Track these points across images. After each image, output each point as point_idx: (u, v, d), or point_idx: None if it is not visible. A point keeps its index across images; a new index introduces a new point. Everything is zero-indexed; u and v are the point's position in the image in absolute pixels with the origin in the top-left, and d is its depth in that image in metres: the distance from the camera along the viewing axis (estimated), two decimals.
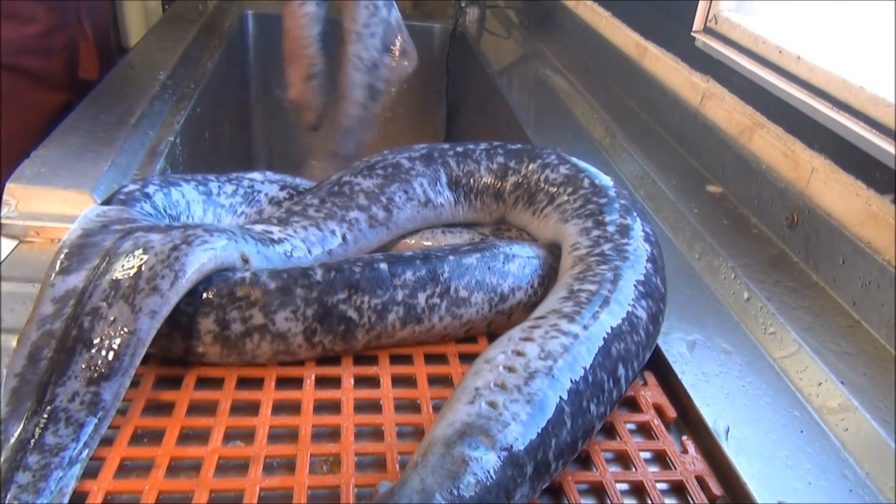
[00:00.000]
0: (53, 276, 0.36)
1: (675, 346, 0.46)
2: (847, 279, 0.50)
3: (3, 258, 0.48)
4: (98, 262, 0.37)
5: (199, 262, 0.38)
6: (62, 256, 0.37)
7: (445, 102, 1.23)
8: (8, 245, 0.50)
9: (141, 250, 0.37)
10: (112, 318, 0.35)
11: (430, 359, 0.44)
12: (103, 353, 0.34)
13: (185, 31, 0.91)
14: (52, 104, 0.81)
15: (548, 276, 0.47)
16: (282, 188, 0.55)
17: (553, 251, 0.49)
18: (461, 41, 1.17)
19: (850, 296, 0.49)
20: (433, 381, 0.42)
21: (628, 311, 0.40)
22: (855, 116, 0.49)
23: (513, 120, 0.84)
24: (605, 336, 0.38)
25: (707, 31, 0.68)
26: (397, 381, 0.42)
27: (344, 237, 0.49)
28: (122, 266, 0.36)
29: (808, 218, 0.54)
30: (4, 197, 0.51)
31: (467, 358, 0.44)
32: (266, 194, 0.54)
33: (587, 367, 0.36)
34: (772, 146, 0.60)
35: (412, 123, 1.27)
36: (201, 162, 0.78)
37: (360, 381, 0.41)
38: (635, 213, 0.49)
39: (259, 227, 0.47)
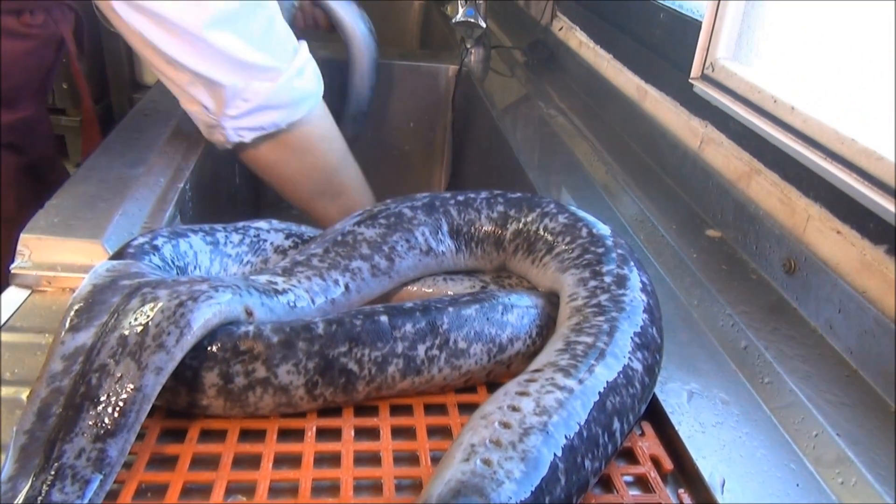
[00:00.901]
0: (63, 333, 0.37)
1: (673, 396, 0.46)
2: (844, 328, 0.50)
3: (16, 308, 0.50)
4: (107, 319, 0.38)
5: (204, 318, 0.39)
6: (72, 313, 0.38)
7: (451, 140, 1.25)
8: (21, 295, 0.51)
9: (148, 307, 0.38)
10: (119, 375, 0.36)
11: (430, 409, 0.45)
12: (109, 409, 0.35)
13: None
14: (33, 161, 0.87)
15: (546, 326, 0.48)
16: (287, 236, 0.56)
17: (551, 300, 0.50)
18: (466, 80, 1.19)
19: (848, 345, 0.50)
20: (432, 431, 0.43)
21: (624, 364, 0.41)
22: (847, 168, 0.50)
23: (515, 162, 0.85)
24: (601, 390, 0.39)
25: (704, 77, 0.69)
26: (397, 432, 0.43)
27: (347, 287, 0.51)
28: (130, 323, 0.38)
29: (806, 265, 0.55)
30: (19, 248, 0.53)
31: (466, 408, 0.45)
32: (272, 243, 0.55)
33: (582, 423, 0.37)
34: (769, 192, 0.61)
35: (419, 160, 1.29)
36: (210, 205, 0.80)
37: (361, 433, 0.42)
38: (632, 263, 0.49)
39: (264, 278, 0.48)
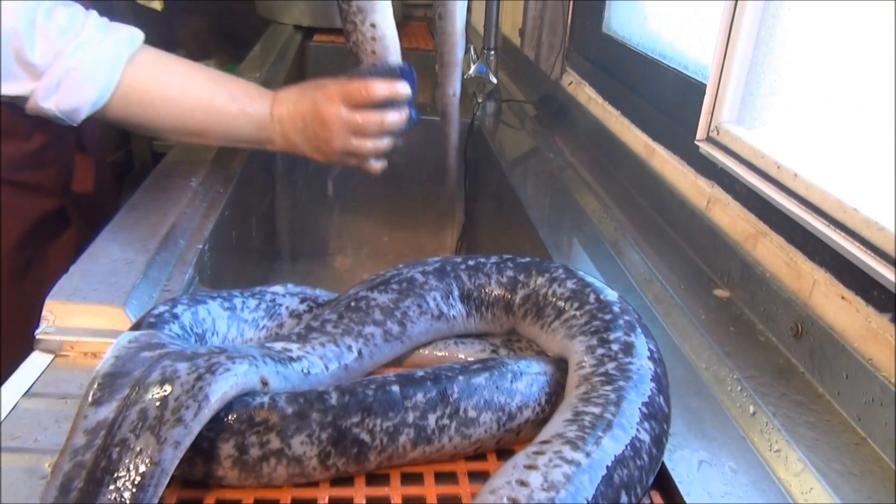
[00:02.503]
0: (86, 406, 0.39)
1: (682, 465, 0.46)
2: (851, 394, 0.50)
3: (39, 374, 0.51)
4: (128, 393, 0.39)
5: (221, 391, 0.40)
6: (95, 387, 0.40)
7: (464, 192, 1.27)
8: (44, 360, 0.53)
9: (168, 380, 0.40)
10: (138, 450, 0.37)
11: (441, 477, 0.45)
12: (129, 484, 0.36)
13: None
14: (46, 210, 0.86)
15: (555, 393, 0.49)
16: (302, 300, 0.57)
17: (560, 366, 0.51)
18: (478, 134, 1.22)
19: (855, 411, 0.50)
20: (443, 501, 0.44)
21: (632, 436, 0.42)
22: (850, 236, 0.51)
23: (525, 217, 0.87)
24: (609, 464, 0.39)
25: (710, 140, 0.71)
26: (408, 501, 0.43)
27: (360, 352, 0.52)
28: (150, 397, 0.39)
29: (812, 329, 0.55)
30: (44, 313, 0.55)
31: (477, 476, 0.45)
32: (287, 307, 0.57)
33: (590, 499, 0.37)
34: (775, 255, 0.61)
35: (433, 212, 1.31)
36: (227, 264, 0.82)
37: (372, 502, 0.43)
38: (640, 330, 0.50)
39: (279, 345, 0.49)
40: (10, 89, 0.66)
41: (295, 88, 0.79)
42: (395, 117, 0.79)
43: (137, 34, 0.71)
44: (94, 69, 0.67)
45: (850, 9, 0.57)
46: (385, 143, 0.80)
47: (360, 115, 0.76)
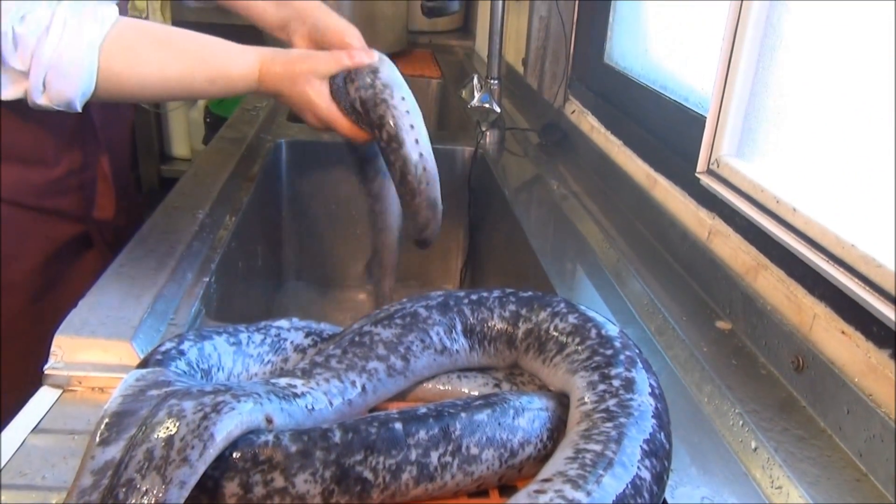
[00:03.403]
0: (94, 447, 0.39)
1: (684, 502, 0.47)
2: (853, 430, 0.51)
3: (47, 409, 0.52)
4: (135, 433, 0.40)
5: (226, 429, 0.41)
6: (103, 426, 0.40)
7: (468, 219, 1.28)
8: (52, 395, 0.54)
9: (174, 420, 0.40)
10: (144, 489, 0.38)
11: None
12: None
13: (223, 167, 0.98)
14: (68, 235, 0.88)
15: (557, 429, 0.49)
16: (306, 335, 0.58)
17: (562, 401, 0.51)
18: (482, 162, 1.23)
19: (857, 447, 0.50)
20: None
21: (633, 474, 0.42)
22: (849, 272, 0.51)
23: (528, 247, 0.87)
24: None
25: (710, 172, 0.72)
26: None
27: (364, 388, 0.52)
28: (156, 437, 0.39)
29: (813, 364, 0.56)
30: (53, 348, 0.56)
31: None
32: (292, 342, 0.57)
33: None
34: (775, 288, 0.62)
35: (438, 239, 1.32)
36: (233, 294, 0.83)
37: None
38: (640, 366, 0.51)
39: (283, 381, 0.50)
40: (8, 94, 0.68)
41: (281, 59, 0.77)
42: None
43: (109, 14, 0.70)
44: (71, 63, 0.68)
45: (847, 45, 0.58)
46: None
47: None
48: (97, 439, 0.40)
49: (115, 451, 0.39)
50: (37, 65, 0.67)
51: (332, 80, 0.76)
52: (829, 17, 0.60)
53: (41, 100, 0.68)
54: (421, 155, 0.74)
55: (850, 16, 0.57)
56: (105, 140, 0.91)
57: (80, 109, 0.71)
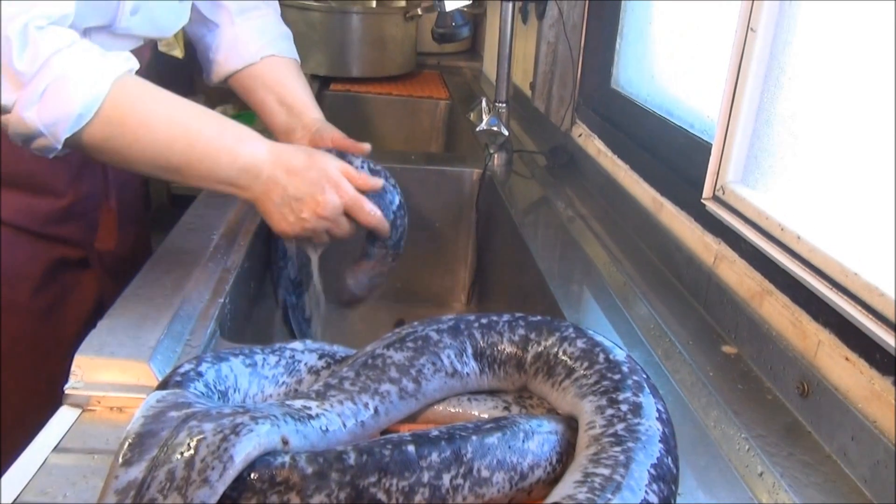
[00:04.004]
0: (117, 467, 0.41)
1: None
2: (857, 456, 0.51)
3: (67, 429, 0.53)
4: (157, 453, 0.41)
5: (245, 451, 0.42)
6: (125, 447, 0.42)
7: (475, 240, 1.29)
8: (72, 415, 0.55)
9: (194, 442, 0.42)
10: None
11: None
12: None
13: None
14: (69, 259, 0.90)
15: (566, 452, 0.50)
16: (320, 357, 0.59)
17: (571, 424, 0.52)
18: (490, 184, 1.24)
19: (862, 473, 0.51)
20: None
21: (641, 498, 0.43)
22: (852, 300, 0.52)
23: (536, 269, 0.88)
24: None
25: (716, 199, 0.73)
26: None
27: (376, 409, 0.54)
28: (177, 458, 0.41)
29: (818, 389, 0.56)
30: (73, 368, 0.57)
31: None
32: (306, 364, 0.59)
33: None
34: (780, 314, 0.63)
35: (445, 260, 1.33)
36: (246, 314, 0.84)
37: None
38: (648, 390, 0.52)
39: (299, 403, 0.51)
40: None
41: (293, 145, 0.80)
42: (374, 210, 0.80)
43: (132, 62, 0.68)
44: (81, 81, 0.63)
45: (849, 75, 0.59)
46: (346, 230, 0.79)
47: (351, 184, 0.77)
48: (120, 460, 0.41)
49: (137, 472, 0.40)
50: (45, 72, 0.62)
51: None
52: (831, 48, 0.61)
53: (29, 112, 0.62)
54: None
55: (852, 46, 0.59)
56: (114, 175, 0.93)
57: (61, 140, 0.64)
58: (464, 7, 1.25)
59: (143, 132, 0.67)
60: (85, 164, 0.88)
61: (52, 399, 0.57)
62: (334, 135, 0.91)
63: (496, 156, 1.28)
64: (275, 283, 0.97)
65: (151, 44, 0.65)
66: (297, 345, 0.60)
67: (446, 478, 0.46)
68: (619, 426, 0.48)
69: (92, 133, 0.65)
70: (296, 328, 0.98)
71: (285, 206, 0.74)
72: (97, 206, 0.92)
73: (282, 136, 0.96)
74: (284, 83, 0.97)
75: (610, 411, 0.50)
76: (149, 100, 0.69)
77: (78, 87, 0.63)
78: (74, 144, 0.65)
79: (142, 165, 0.69)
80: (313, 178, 0.74)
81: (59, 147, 0.64)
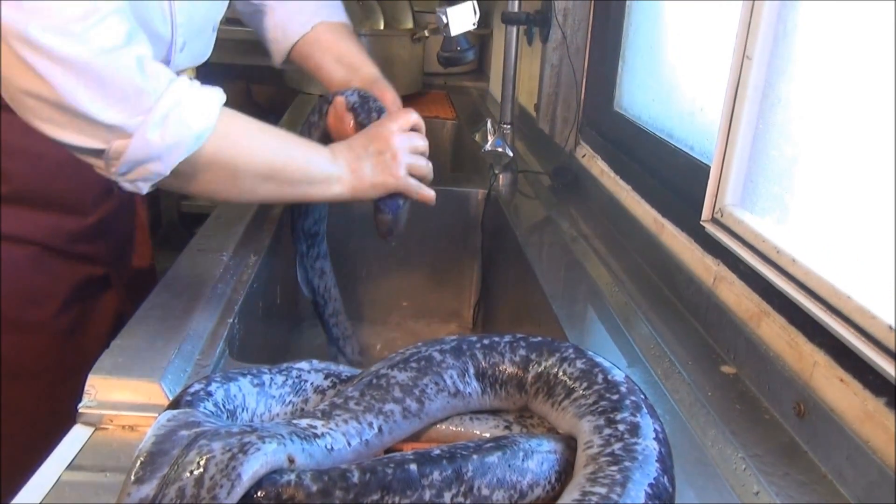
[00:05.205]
0: (129, 485, 0.42)
1: None
2: (853, 476, 0.52)
3: (80, 447, 0.55)
4: (168, 472, 0.43)
5: (252, 469, 0.44)
6: (137, 465, 0.43)
7: (481, 259, 1.31)
8: (85, 433, 0.57)
9: (204, 460, 0.43)
10: None
11: None
12: None
13: (247, 208, 1.02)
14: (91, 278, 0.92)
15: (564, 471, 0.51)
16: (326, 377, 0.61)
17: (570, 443, 0.54)
18: (495, 204, 1.26)
19: (857, 493, 0.52)
20: None
21: None
22: (845, 322, 0.54)
23: (539, 289, 0.90)
24: None
25: (714, 221, 0.74)
26: None
27: (380, 429, 0.55)
28: (187, 476, 0.42)
29: (814, 410, 0.57)
30: (87, 387, 0.59)
31: None
32: (312, 383, 0.60)
33: None
34: (777, 335, 0.64)
35: (450, 278, 1.35)
36: (254, 333, 0.86)
37: None
38: (645, 411, 0.53)
39: (305, 422, 0.53)
40: (119, 118, 0.64)
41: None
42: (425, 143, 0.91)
43: (221, 92, 0.75)
44: (196, 106, 0.69)
45: (844, 103, 0.61)
46: (430, 167, 0.91)
47: (411, 133, 0.88)
48: (132, 477, 0.43)
49: (148, 490, 0.42)
50: (166, 96, 0.66)
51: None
52: (826, 75, 0.63)
53: (153, 134, 0.65)
54: None
55: (847, 73, 0.60)
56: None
57: (174, 163, 0.68)
58: (470, 30, 1.28)
59: (246, 146, 0.75)
60: (112, 182, 0.91)
61: (73, 417, 0.58)
62: (386, 93, 0.96)
63: (501, 176, 1.29)
64: (293, 235, 1.01)
65: None
66: (303, 365, 0.61)
67: (447, 496, 0.48)
68: (617, 446, 0.50)
69: (202, 156, 0.70)
70: (301, 276, 1.03)
71: (379, 167, 0.85)
72: (121, 225, 0.95)
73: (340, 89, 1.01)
74: (339, 43, 1.03)
75: (608, 431, 0.51)
76: (244, 120, 0.76)
77: (194, 112, 0.68)
78: (181, 170, 0.70)
79: (247, 176, 0.76)
80: (380, 149, 0.85)
81: (166, 173, 0.69)
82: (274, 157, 0.77)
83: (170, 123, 0.66)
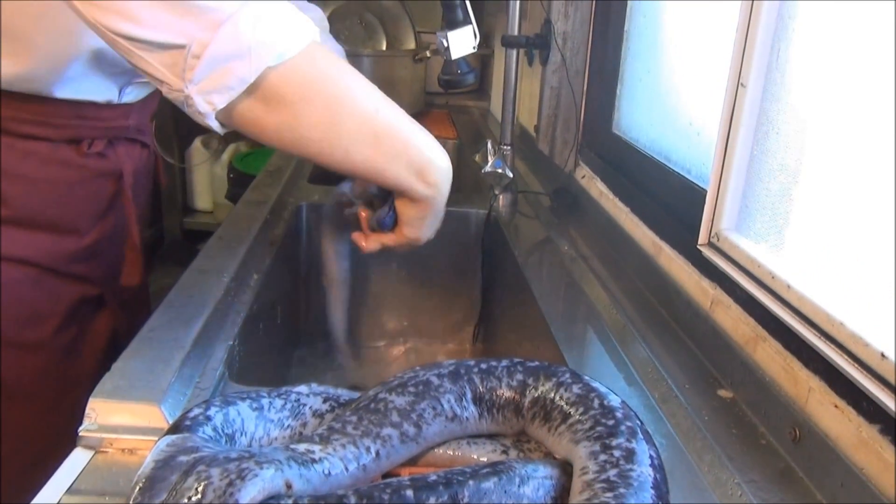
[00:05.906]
0: None
1: None
2: (848, 502, 0.53)
3: (80, 470, 0.55)
4: (166, 497, 0.43)
5: (249, 495, 0.44)
6: (136, 491, 0.44)
7: (481, 280, 1.32)
8: (85, 456, 0.57)
9: (202, 486, 0.44)
10: None
11: None
12: None
13: (248, 230, 1.03)
14: (86, 297, 0.93)
15: (560, 497, 0.52)
16: (324, 400, 0.61)
17: (566, 469, 0.54)
18: (495, 225, 1.27)
19: None
20: None
21: None
22: (839, 348, 0.54)
23: (538, 311, 0.90)
24: None
25: (711, 245, 0.75)
26: None
27: (377, 453, 0.55)
28: (185, 502, 0.43)
29: (809, 436, 0.58)
30: (87, 410, 0.59)
31: None
32: (310, 407, 0.61)
33: None
34: (773, 360, 0.64)
35: (451, 298, 1.35)
36: (254, 355, 0.86)
37: None
38: (641, 436, 0.53)
39: (303, 447, 0.53)
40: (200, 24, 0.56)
41: None
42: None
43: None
44: (300, 17, 0.62)
45: (839, 130, 0.61)
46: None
47: None
48: (131, 503, 0.43)
49: None
50: (245, 9, 0.58)
51: None
52: (820, 104, 0.64)
53: (245, 24, 0.57)
54: None
55: (841, 102, 0.61)
56: (133, 211, 0.97)
57: (260, 68, 0.59)
58: (470, 53, 1.29)
59: (355, 80, 0.66)
60: (110, 202, 0.92)
61: (70, 437, 0.59)
62: None
63: (501, 197, 1.30)
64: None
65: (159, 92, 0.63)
66: (302, 388, 0.62)
67: None
68: (612, 472, 0.50)
69: (300, 69, 0.61)
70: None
71: (437, 219, 0.81)
72: (115, 246, 0.96)
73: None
74: None
75: (603, 457, 0.51)
76: (345, 66, 0.67)
77: (294, 20, 0.61)
78: (271, 91, 0.61)
79: (351, 122, 0.66)
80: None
81: (251, 79, 0.59)
82: (386, 111, 0.68)
83: (265, 19, 0.59)
